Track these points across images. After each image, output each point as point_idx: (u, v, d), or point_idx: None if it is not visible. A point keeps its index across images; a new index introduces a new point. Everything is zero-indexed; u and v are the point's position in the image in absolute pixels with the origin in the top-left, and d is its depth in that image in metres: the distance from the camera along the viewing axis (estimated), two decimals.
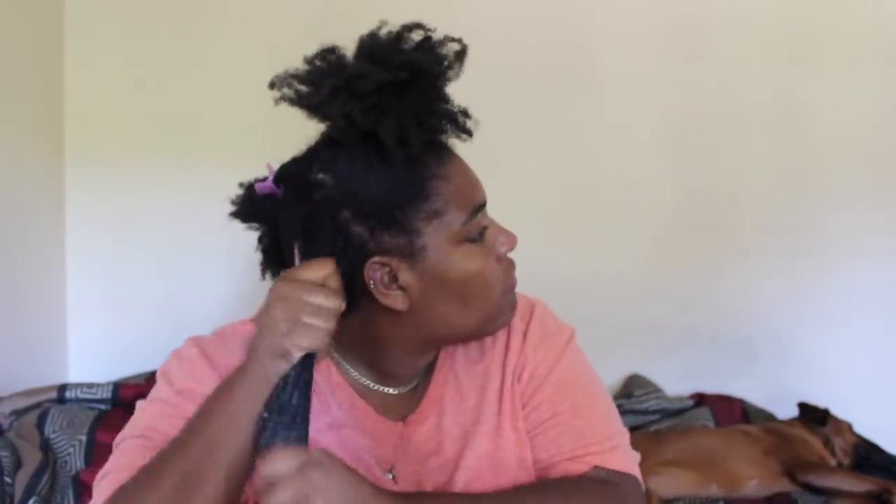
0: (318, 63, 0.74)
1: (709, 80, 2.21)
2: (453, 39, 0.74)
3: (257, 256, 0.82)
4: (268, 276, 0.82)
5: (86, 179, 2.13)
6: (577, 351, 0.88)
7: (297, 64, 0.74)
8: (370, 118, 0.70)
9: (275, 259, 0.80)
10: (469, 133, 0.76)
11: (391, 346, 0.80)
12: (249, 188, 0.79)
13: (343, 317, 0.74)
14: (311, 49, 0.74)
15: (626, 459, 0.84)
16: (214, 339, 0.84)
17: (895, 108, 2.19)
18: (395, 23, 0.75)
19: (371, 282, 0.75)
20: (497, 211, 0.81)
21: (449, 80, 0.75)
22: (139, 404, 0.82)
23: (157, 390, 0.81)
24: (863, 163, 2.20)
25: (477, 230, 0.77)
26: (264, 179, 0.77)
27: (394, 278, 0.75)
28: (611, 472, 0.81)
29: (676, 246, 2.23)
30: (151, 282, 2.17)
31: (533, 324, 0.87)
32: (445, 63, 0.74)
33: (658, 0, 2.21)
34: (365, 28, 0.74)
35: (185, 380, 0.80)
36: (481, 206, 0.78)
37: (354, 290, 0.75)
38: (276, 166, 0.78)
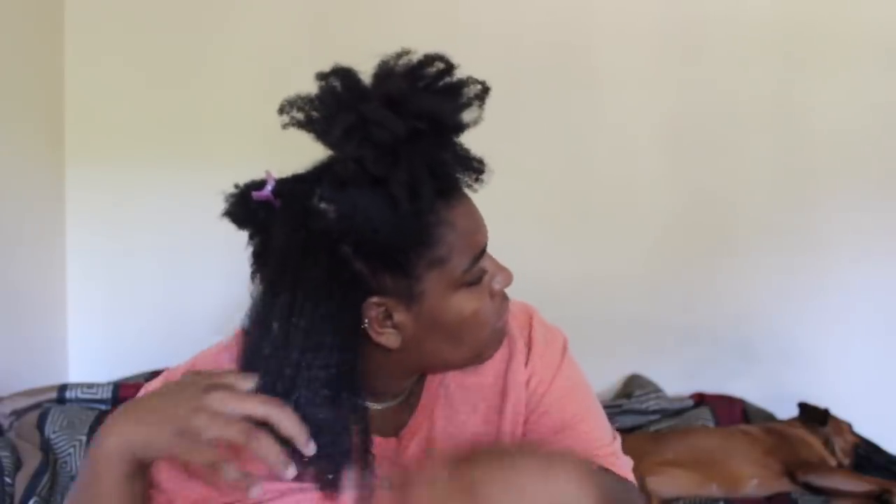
0: (332, 84, 0.71)
1: (708, 80, 2.21)
2: (477, 81, 0.71)
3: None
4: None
5: (86, 179, 2.13)
6: (572, 356, 0.89)
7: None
8: (382, 166, 0.68)
9: (265, 263, 0.76)
10: (481, 182, 0.73)
11: (379, 376, 0.78)
12: (245, 191, 0.75)
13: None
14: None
15: (625, 464, 0.85)
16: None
17: (894, 108, 2.19)
18: (414, 48, 0.70)
19: (367, 320, 0.73)
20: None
21: (468, 126, 0.71)
22: None
23: None
24: (862, 163, 2.20)
25: (477, 275, 0.75)
26: (261, 185, 0.73)
27: (388, 316, 0.73)
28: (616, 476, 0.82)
29: (676, 246, 2.23)
30: (151, 282, 2.17)
31: (535, 332, 0.87)
32: (465, 110, 0.70)
33: (658, 0, 2.21)
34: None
35: None
36: (483, 251, 0.76)
37: (347, 323, 0.72)
38: (275, 174, 0.74)
